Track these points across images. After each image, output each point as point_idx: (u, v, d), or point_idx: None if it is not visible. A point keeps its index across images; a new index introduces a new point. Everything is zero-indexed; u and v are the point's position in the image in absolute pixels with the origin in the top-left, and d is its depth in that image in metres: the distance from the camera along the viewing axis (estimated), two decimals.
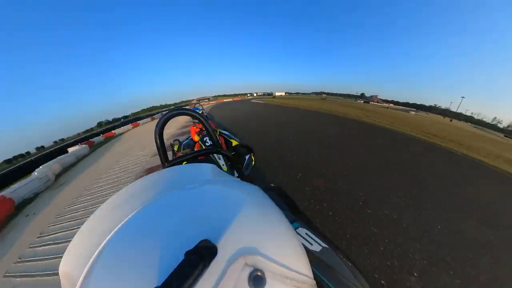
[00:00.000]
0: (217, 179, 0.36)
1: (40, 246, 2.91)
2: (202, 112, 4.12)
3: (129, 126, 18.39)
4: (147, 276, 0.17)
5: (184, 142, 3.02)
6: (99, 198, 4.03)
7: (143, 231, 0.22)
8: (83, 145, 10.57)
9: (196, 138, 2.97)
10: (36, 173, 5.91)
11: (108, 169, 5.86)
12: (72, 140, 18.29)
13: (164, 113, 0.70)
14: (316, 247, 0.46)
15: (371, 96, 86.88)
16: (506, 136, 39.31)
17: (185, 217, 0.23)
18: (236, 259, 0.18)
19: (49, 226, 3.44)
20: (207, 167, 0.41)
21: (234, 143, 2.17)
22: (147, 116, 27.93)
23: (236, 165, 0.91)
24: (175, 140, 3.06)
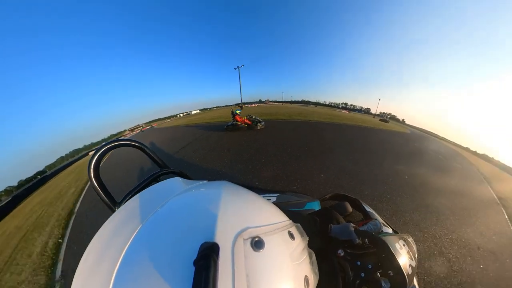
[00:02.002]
0: (188, 187, 0.39)
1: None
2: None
3: None
4: None
5: (229, 124, 8.11)
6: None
7: (144, 266, 0.21)
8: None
9: (243, 118, 8.35)
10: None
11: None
12: None
13: (95, 149, 0.59)
14: (273, 199, 0.71)
15: (265, 100, 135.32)
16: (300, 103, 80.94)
17: (177, 232, 0.24)
18: (235, 241, 0.22)
19: None
20: (174, 181, 0.44)
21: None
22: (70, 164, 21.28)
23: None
24: (229, 124, 8.19)
